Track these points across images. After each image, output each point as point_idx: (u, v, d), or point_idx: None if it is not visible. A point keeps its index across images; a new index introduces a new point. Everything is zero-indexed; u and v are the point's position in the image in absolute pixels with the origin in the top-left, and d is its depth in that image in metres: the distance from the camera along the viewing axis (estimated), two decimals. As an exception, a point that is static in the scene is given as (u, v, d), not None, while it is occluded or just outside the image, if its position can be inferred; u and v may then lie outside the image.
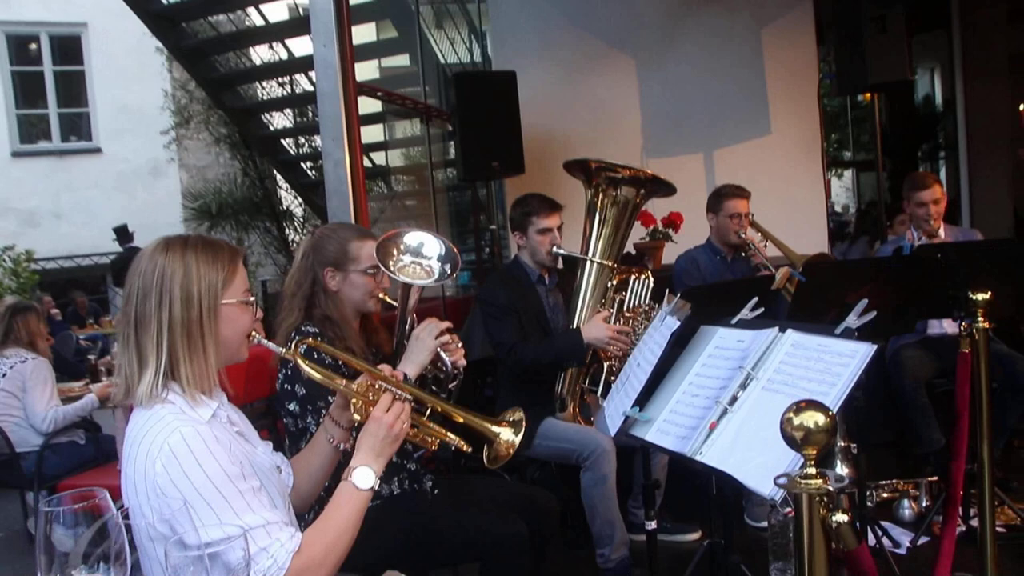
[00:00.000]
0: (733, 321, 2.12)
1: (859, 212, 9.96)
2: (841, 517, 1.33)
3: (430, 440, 1.81)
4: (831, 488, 1.33)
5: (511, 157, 5.20)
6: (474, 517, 2.37)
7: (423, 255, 2.40)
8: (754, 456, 1.68)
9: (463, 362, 2.44)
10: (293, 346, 1.75)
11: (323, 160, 4.51)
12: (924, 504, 3.64)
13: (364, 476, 1.63)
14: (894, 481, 3.79)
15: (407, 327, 2.47)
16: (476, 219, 6.50)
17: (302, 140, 8.43)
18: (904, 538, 3.38)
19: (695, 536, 3.63)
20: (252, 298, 1.68)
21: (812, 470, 1.35)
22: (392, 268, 2.32)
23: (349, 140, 4.48)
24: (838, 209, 12.67)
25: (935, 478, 3.73)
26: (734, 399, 1.84)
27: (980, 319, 2.77)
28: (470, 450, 1.83)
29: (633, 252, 4.92)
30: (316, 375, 1.73)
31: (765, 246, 3.88)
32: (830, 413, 1.34)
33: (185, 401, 1.56)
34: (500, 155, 5.14)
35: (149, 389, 1.53)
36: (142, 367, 1.55)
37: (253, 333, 1.69)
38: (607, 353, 3.32)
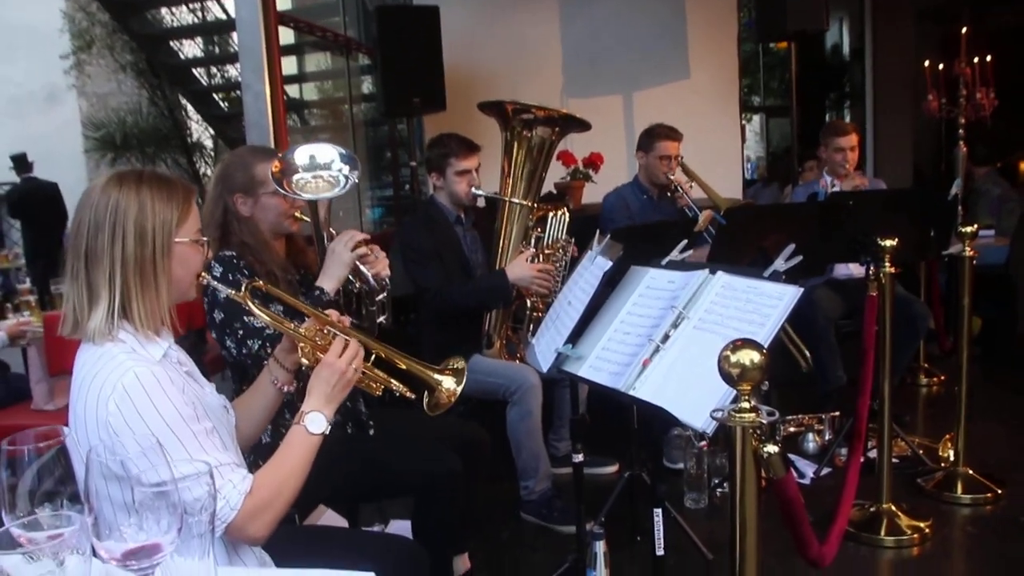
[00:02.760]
0: (664, 262, 2.20)
1: (770, 157, 10.22)
2: (771, 448, 1.43)
3: (374, 386, 1.82)
4: (764, 421, 1.42)
5: (433, 94, 5.14)
6: (410, 453, 2.41)
7: (320, 166, 2.31)
8: (687, 391, 1.76)
9: (387, 272, 2.41)
10: (244, 288, 1.73)
11: (242, 92, 4.38)
12: (827, 437, 3.85)
13: (316, 421, 1.64)
14: (800, 416, 4.00)
15: (326, 243, 2.41)
16: (395, 155, 6.43)
17: (214, 70, 8.11)
18: (808, 469, 3.59)
19: (613, 469, 3.76)
20: (205, 238, 1.66)
21: (747, 404, 1.43)
22: (293, 188, 2.26)
23: (270, 72, 4.35)
24: (752, 157, 12.95)
25: (837, 413, 3.95)
26: (666, 337, 1.92)
27: (887, 264, 2.93)
28: (413, 397, 1.85)
29: (554, 191, 4.97)
30: (266, 318, 1.73)
31: (691, 187, 3.96)
32: (763, 351, 1.42)
33: (136, 339, 1.54)
34: (421, 91, 5.08)
35: (100, 326, 1.51)
36: (92, 303, 1.52)
37: (202, 273, 1.67)
38: (530, 291, 3.38)
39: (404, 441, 2.45)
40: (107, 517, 1.44)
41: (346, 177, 2.28)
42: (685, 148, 4.06)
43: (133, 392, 1.44)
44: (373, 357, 1.83)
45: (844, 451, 3.57)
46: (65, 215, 8.43)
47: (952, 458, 3.43)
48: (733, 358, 1.41)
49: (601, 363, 2.09)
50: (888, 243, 2.93)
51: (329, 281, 2.30)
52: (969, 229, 3.18)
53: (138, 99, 9.49)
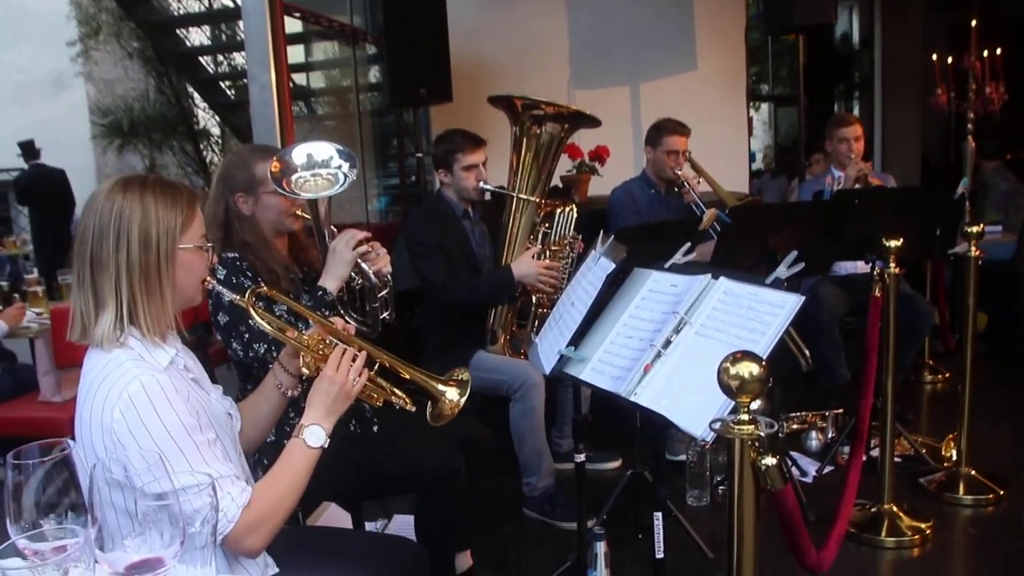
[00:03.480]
0: (667, 265, 2.19)
1: (778, 150, 10.17)
2: (770, 460, 1.43)
3: (376, 397, 1.83)
4: (762, 434, 1.42)
5: (439, 84, 5.13)
6: (413, 451, 2.41)
7: (318, 164, 2.30)
8: (687, 398, 1.77)
9: (388, 268, 2.41)
10: (248, 295, 1.74)
11: (248, 82, 4.37)
12: (830, 435, 3.86)
13: (315, 434, 1.65)
14: (803, 413, 4.01)
15: (327, 240, 2.41)
16: (401, 144, 6.42)
17: (221, 58, 8.10)
18: (811, 468, 3.60)
19: (616, 464, 3.78)
20: (209, 244, 1.67)
21: (745, 416, 1.44)
22: (292, 188, 2.25)
23: (276, 62, 4.34)
24: (759, 148, 12.88)
25: (840, 410, 3.95)
26: (668, 342, 1.92)
27: (892, 265, 2.93)
28: (414, 409, 1.86)
29: (560, 185, 4.96)
30: (268, 327, 1.74)
31: (699, 183, 3.95)
32: (763, 363, 1.42)
33: (143, 346, 1.55)
34: (428, 82, 5.07)
35: (107, 332, 1.52)
36: (99, 309, 1.54)
37: (208, 279, 1.68)
38: (536, 288, 3.38)
39: (407, 439, 2.46)
40: (111, 528, 1.45)
41: (344, 174, 2.27)
42: (692, 140, 4.05)
43: (138, 401, 1.45)
44: (376, 366, 1.83)
45: (847, 449, 3.58)
46: (73, 202, 8.46)
47: (955, 458, 3.43)
48: (733, 370, 1.42)
49: (603, 366, 2.09)
50: (893, 243, 2.92)
51: (331, 280, 2.31)
52: (975, 229, 3.17)
53: (145, 86, 9.48)
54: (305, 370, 1.75)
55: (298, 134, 6.35)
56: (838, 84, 9.81)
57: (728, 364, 1.42)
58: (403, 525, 3.20)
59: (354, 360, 1.73)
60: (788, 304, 1.73)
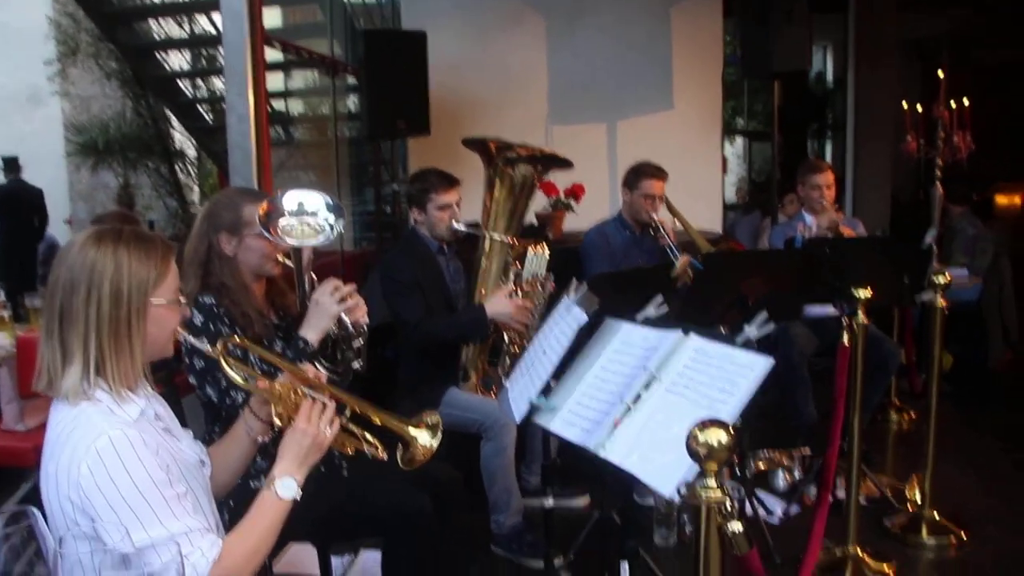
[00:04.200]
0: (639, 319, 2.23)
1: (752, 186, 10.30)
2: (736, 526, 1.46)
3: (347, 445, 1.84)
4: (727, 505, 1.45)
5: (417, 117, 5.18)
6: (379, 493, 2.41)
7: (307, 212, 2.32)
8: (656, 456, 1.78)
9: (365, 319, 2.42)
10: (220, 346, 1.74)
11: (227, 113, 4.38)
12: (797, 475, 3.90)
13: (287, 486, 1.65)
14: (770, 452, 4.04)
15: (307, 288, 2.43)
16: (377, 172, 6.44)
17: (200, 82, 8.08)
18: (777, 507, 3.63)
19: (584, 502, 3.79)
20: (183, 299, 1.67)
21: (713, 482, 1.46)
22: (279, 233, 2.27)
23: (255, 93, 4.36)
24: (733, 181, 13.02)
25: (807, 450, 4.00)
26: (638, 397, 1.95)
27: (861, 315, 2.98)
28: (385, 458, 1.86)
29: (535, 223, 5.00)
30: (238, 379, 1.74)
31: (674, 225, 3.99)
32: (731, 431, 1.45)
33: (112, 399, 1.54)
34: (406, 114, 5.11)
35: (74, 385, 1.52)
36: (66, 362, 1.53)
37: (179, 330, 1.68)
38: (509, 327, 3.40)
39: (373, 482, 2.46)
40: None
41: (331, 226, 2.30)
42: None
43: (106, 456, 1.44)
44: (347, 411, 1.84)
45: (813, 490, 3.62)
46: (46, 222, 8.38)
47: (919, 500, 3.48)
48: (701, 437, 1.44)
49: (573, 417, 2.11)
50: (862, 293, 2.98)
51: (313, 332, 2.32)
52: (942, 280, 3.24)
53: (122, 104, 9.43)
54: (277, 421, 1.76)
55: (275, 161, 6.38)
56: (812, 124, 9.97)
57: (697, 431, 1.45)
58: (370, 561, 3.19)
59: (325, 410, 1.73)
60: (758, 366, 1.76)
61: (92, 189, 10.41)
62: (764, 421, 4.25)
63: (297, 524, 2.30)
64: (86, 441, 1.46)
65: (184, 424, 1.84)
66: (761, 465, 4.00)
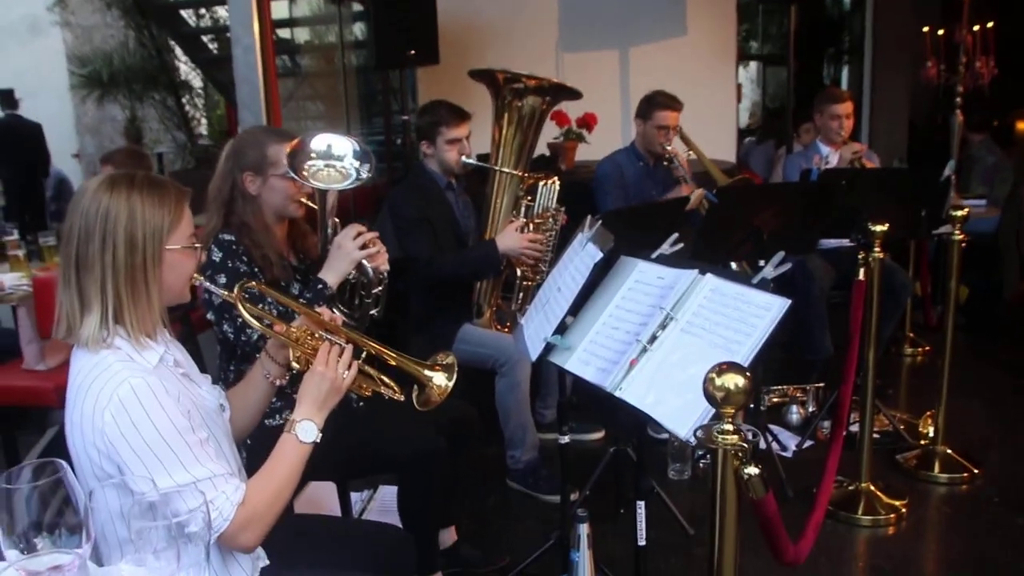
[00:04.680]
0: (653, 256, 2.20)
1: (766, 112, 10.12)
2: (752, 470, 1.45)
3: (365, 387, 1.84)
4: (745, 445, 1.45)
5: (426, 46, 5.07)
6: (393, 432, 2.43)
7: (334, 156, 2.33)
8: (672, 397, 1.78)
9: (386, 267, 2.44)
10: (237, 290, 1.74)
11: (232, 45, 4.31)
12: (811, 410, 3.91)
13: (307, 430, 1.65)
14: (784, 387, 4.06)
15: (328, 231, 2.44)
16: (387, 104, 6.35)
17: (203, 11, 7.91)
18: (791, 442, 3.65)
19: (599, 436, 3.83)
20: (197, 244, 1.66)
21: (729, 426, 1.46)
22: (305, 174, 2.27)
23: (260, 23, 4.28)
24: (747, 107, 12.80)
25: (821, 384, 4.01)
26: (654, 338, 1.93)
27: (876, 249, 2.95)
28: (403, 399, 1.87)
29: (547, 153, 4.93)
30: (255, 323, 1.74)
31: (688, 156, 3.93)
32: (748, 375, 1.44)
33: (131, 346, 1.54)
34: (414, 44, 5.00)
35: (94, 333, 1.51)
36: (84, 310, 1.53)
37: (195, 276, 1.67)
38: (521, 261, 3.38)
39: (388, 420, 2.47)
40: (108, 544, 1.47)
41: (357, 171, 2.29)
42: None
43: (128, 403, 1.45)
44: (363, 354, 1.84)
45: (827, 424, 3.64)
46: (47, 157, 8.29)
47: (931, 435, 3.50)
48: (718, 381, 1.43)
49: (589, 357, 2.11)
50: (879, 228, 2.94)
51: (332, 275, 2.32)
52: (960, 213, 3.19)
53: (125, 34, 9.26)
54: (295, 364, 1.76)
55: (283, 93, 6.29)
56: (828, 48, 9.73)
57: (713, 375, 1.43)
58: (389, 496, 3.24)
59: (342, 353, 1.73)
60: (774, 307, 1.74)
61: (99, 122, 10.29)
62: (779, 355, 4.26)
63: (317, 464, 2.33)
64: (108, 389, 1.46)
65: (203, 368, 1.84)
66: (775, 399, 4.02)
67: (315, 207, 2.41)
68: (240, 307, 1.72)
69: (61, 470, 1.11)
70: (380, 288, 2.43)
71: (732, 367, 1.44)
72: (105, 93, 9.22)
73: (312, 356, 1.72)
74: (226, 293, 1.74)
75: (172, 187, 1.62)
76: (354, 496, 3.13)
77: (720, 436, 1.46)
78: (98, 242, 1.52)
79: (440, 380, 1.89)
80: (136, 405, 1.45)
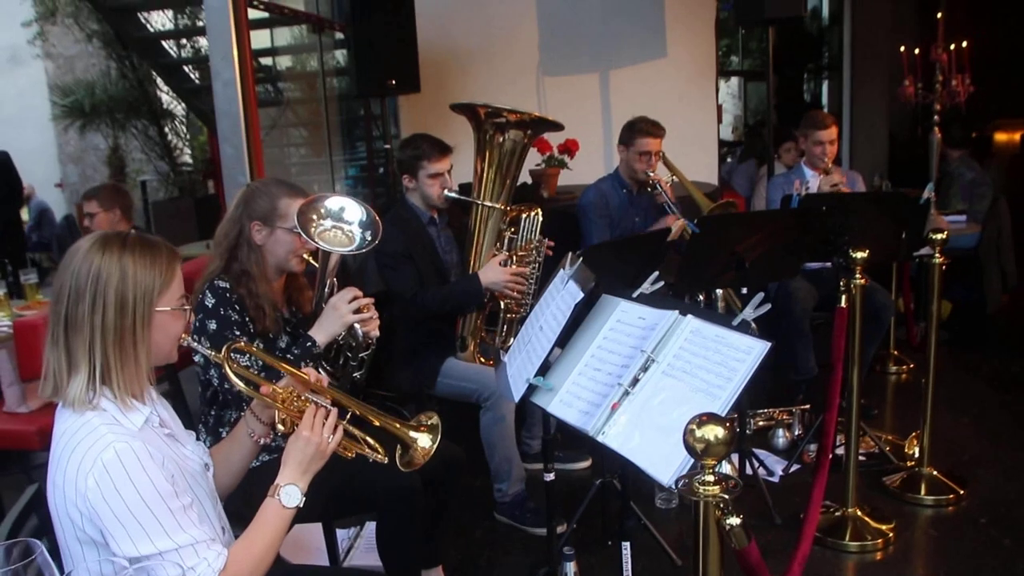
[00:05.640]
0: (634, 295, 2.20)
1: (748, 131, 10.17)
2: (734, 520, 1.45)
3: (349, 450, 1.83)
4: (726, 496, 1.44)
5: (407, 74, 5.08)
6: (368, 472, 2.41)
7: (344, 220, 2.39)
8: (654, 443, 1.78)
9: (375, 333, 2.46)
10: (224, 351, 1.74)
11: (212, 79, 4.29)
12: (796, 433, 3.91)
13: (290, 495, 1.65)
14: (770, 410, 4.06)
15: (326, 290, 2.47)
16: (368, 131, 6.36)
17: (185, 42, 7.91)
18: (777, 467, 3.65)
19: (586, 464, 3.82)
20: (187, 306, 1.66)
21: (711, 477, 1.46)
22: (313, 233, 2.31)
23: (240, 59, 4.27)
24: (729, 121, 12.87)
25: (807, 406, 4.01)
26: (635, 381, 1.93)
27: (858, 276, 2.96)
28: (386, 461, 1.86)
29: (529, 181, 4.94)
30: (242, 386, 1.73)
31: (670, 184, 3.94)
32: (728, 425, 1.44)
33: (117, 407, 1.54)
34: (396, 71, 5.02)
35: (80, 395, 1.51)
36: (72, 370, 1.52)
37: (184, 336, 1.67)
38: (504, 295, 3.38)
39: (367, 461, 2.47)
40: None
41: (364, 239, 2.35)
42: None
43: (112, 469, 1.44)
44: (348, 414, 1.84)
45: (813, 448, 3.64)
46: (18, 186, 8.22)
47: (917, 455, 3.50)
48: (699, 433, 1.42)
49: (571, 399, 2.10)
50: (859, 255, 2.95)
51: (323, 335, 2.34)
52: (939, 236, 3.21)
53: (107, 64, 9.25)
54: (280, 427, 1.76)
55: (266, 122, 6.28)
56: (808, 64, 9.81)
57: (694, 426, 1.43)
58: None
59: (327, 416, 1.73)
60: (755, 350, 1.75)
61: (82, 152, 10.27)
62: (764, 376, 4.26)
63: (302, 510, 2.32)
64: (93, 453, 1.45)
65: (187, 421, 1.84)
66: (760, 423, 4.02)
67: (315, 264, 2.45)
68: (227, 368, 1.71)
69: (36, 551, 1.10)
70: (367, 352, 2.45)
71: (712, 418, 1.43)
72: (87, 123, 9.21)
73: (297, 417, 1.72)
74: (213, 354, 1.74)
75: (164, 248, 1.62)
76: (340, 534, 3.11)
77: (702, 488, 1.46)
78: (88, 303, 1.52)
79: (424, 442, 1.89)
80: (120, 470, 1.45)
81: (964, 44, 5.01)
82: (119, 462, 1.45)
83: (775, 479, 3.58)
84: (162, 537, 1.46)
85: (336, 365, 2.44)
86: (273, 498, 1.65)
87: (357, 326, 2.38)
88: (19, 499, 1.75)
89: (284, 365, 1.85)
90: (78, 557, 1.53)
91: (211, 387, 2.39)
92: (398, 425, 1.86)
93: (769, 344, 1.75)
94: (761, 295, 1.85)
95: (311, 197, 2.35)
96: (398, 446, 1.88)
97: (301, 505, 1.67)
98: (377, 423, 1.85)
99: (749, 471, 3.43)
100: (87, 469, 1.44)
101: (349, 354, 2.44)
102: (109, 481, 1.44)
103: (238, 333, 2.31)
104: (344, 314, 2.35)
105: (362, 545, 3.22)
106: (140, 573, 1.40)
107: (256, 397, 1.78)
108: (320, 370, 2.20)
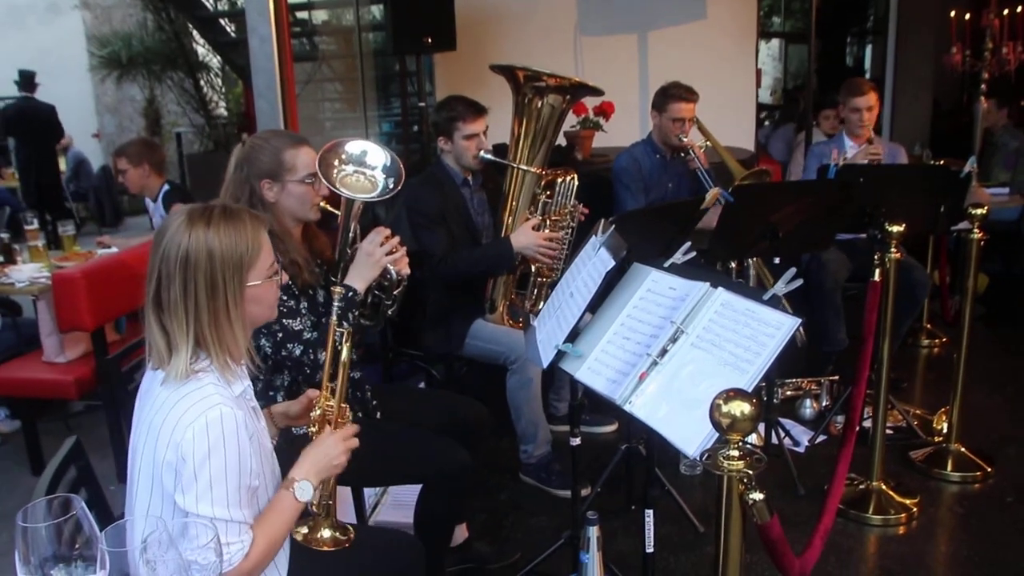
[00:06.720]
0: (666, 265, 2.19)
1: (786, 95, 9.99)
2: (757, 495, 1.46)
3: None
4: (751, 472, 1.45)
5: (442, 32, 5.05)
6: (422, 446, 2.45)
7: (366, 165, 2.33)
8: (681, 415, 1.78)
9: (407, 270, 2.45)
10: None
11: (248, 35, 4.30)
12: (824, 403, 3.90)
13: (304, 490, 1.70)
14: (798, 380, 4.04)
15: (350, 235, 2.43)
16: (403, 87, 6.33)
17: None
18: (804, 437, 3.65)
19: (612, 428, 3.84)
20: (277, 273, 1.69)
21: (735, 452, 1.46)
22: (335, 180, 2.27)
23: (276, 14, 4.27)
24: (768, 84, 12.64)
25: (836, 377, 3.99)
26: (663, 351, 1.93)
27: (893, 250, 2.92)
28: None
29: (563, 143, 4.91)
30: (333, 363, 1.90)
31: (704, 150, 3.90)
32: (755, 401, 1.44)
33: (219, 376, 1.59)
34: (431, 29, 4.98)
35: (183, 370, 1.55)
36: (172, 350, 1.57)
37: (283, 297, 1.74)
38: (535, 259, 3.38)
39: (414, 432, 2.50)
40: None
41: (386, 185, 2.31)
42: (699, 92, 3.95)
43: (212, 429, 1.50)
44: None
45: (840, 419, 3.62)
46: (61, 137, 8.35)
47: (945, 431, 3.48)
48: (724, 408, 1.43)
49: (599, 366, 2.11)
50: (896, 228, 2.91)
51: (361, 281, 2.33)
52: (979, 211, 3.15)
53: (144, 14, 9.27)
54: (312, 429, 1.87)
55: (301, 76, 6.28)
56: (852, 27, 9.57)
57: (720, 402, 1.43)
58: (401, 494, 3.25)
59: (349, 437, 1.83)
60: (784, 326, 1.74)
61: (118, 102, 10.35)
62: (793, 346, 4.23)
63: (351, 474, 2.36)
64: (200, 407, 1.51)
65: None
66: (788, 393, 4.01)
67: (331, 210, 2.42)
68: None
69: (76, 506, 1.14)
70: (400, 289, 2.45)
71: (739, 394, 1.44)
72: (124, 74, 9.25)
73: (319, 422, 1.85)
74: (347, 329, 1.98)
75: (248, 217, 1.64)
76: (367, 492, 3.16)
77: (726, 462, 1.46)
78: (179, 287, 1.55)
79: (326, 535, 1.88)
80: (219, 432, 1.50)
81: (1020, 10, 4.85)
82: (220, 424, 1.51)
83: (801, 449, 3.57)
84: (223, 507, 1.52)
85: (366, 303, 2.45)
86: (287, 490, 1.69)
87: (390, 266, 2.38)
88: (58, 450, 1.80)
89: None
90: (143, 503, 1.58)
91: (260, 354, 2.40)
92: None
93: (800, 320, 1.74)
94: (793, 270, 1.83)
95: (331, 144, 2.30)
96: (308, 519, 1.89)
97: (314, 501, 1.76)
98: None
99: (775, 440, 3.43)
100: (189, 421, 1.50)
101: (381, 294, 2.45)
102: (205, 438, 1.49)
103: (284, 298, 2.28)
104: (379, 258, 2.34)
105: (389, 501, 3.27)
106: (182, 528, 1.44)
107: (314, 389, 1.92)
108: (353, 313, 2.25)
